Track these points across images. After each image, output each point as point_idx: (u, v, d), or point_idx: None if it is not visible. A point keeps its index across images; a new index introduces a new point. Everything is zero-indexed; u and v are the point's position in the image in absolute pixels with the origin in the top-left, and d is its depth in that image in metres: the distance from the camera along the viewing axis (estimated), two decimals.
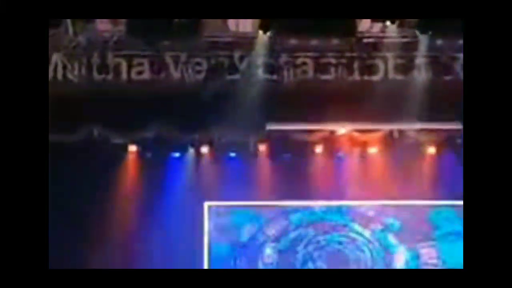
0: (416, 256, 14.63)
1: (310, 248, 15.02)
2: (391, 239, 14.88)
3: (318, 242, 15.05)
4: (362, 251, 14.87)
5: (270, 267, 14.93)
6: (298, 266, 14.80)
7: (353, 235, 15.07)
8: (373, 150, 14.95)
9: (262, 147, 14.93)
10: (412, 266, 13.89)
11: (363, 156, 15.02)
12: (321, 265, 14.64)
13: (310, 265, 14.81)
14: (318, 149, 14.95)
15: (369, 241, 15.01)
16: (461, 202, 14.08)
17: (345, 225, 15.14)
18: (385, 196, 14.91)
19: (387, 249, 14.79)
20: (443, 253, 14.62)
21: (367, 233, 15.03)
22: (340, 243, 14.92)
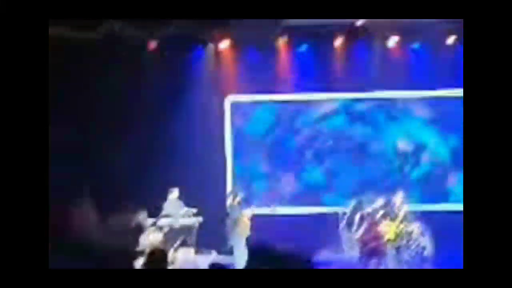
0: None
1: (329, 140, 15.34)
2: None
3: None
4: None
5: (291, 157, 15.32)
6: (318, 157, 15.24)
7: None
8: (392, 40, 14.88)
9: (281, 40, 14.88)
10: None
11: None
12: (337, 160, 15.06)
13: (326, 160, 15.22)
14: (337, 41, 14.89)
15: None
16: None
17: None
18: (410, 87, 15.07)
19: None
20: None
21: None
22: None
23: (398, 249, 11.53)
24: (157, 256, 6.32)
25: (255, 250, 5.66)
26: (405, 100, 15.44)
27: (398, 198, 11.90)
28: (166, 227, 12.97)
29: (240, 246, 12.04)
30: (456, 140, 14.82)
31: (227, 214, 12.52)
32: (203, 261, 12.18)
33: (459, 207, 13.82)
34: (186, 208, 13.07)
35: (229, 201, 12.69)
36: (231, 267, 5.59)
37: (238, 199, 12.61)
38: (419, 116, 15.43)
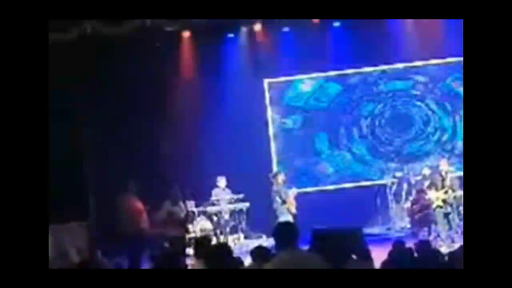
0: None
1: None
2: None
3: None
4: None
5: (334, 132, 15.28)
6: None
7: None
8: None
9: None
10: None
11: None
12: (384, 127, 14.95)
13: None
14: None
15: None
16: None
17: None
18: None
19: None
20: None
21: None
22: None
23: (447, 215, 11.38)
24: (203, 244, 6.40)
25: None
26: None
27: (444, 165, 11.74)
28: (215, 214, 13.06)
29: None
30: None
31: (273, 194, 12.53)
32: (254, 245, 12.22)
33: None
34: (233, 195, 13.13)
35: (273, 182, 12.71)
36: None
37: (282, 178, 12.61)
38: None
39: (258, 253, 6.34)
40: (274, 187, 12.46)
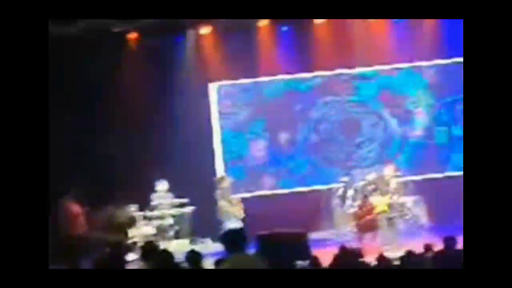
0: None
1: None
2: None
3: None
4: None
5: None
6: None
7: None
8: None
9: (262, 23, 14.77)
10: None
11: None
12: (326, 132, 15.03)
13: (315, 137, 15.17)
14: (318, 20, 14.78)
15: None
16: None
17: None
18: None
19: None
20: None
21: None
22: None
23: (391, 220, 11.44)
24: (148, 249, 6.36)
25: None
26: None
27: (389, 171, 11.81)
28: (157, 219, 12.87)
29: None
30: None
31: (219, 199, 12.42)
32: (199, 250, 12.07)
33: (453, 174, 14.53)
34: (175, 199, 12.96)
35: (219, 186, 12.60)
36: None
37: (228, 181, 12.51)
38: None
39: (191, 257, 6.29)
40: (220, 191, 12.34)
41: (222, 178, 12.67)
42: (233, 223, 11.63)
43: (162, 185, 13.05)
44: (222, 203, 12.15)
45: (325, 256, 7.37)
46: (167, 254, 6.07)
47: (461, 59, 13.99)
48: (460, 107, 14.00)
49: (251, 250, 5.95)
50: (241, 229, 5.60)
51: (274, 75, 15.22)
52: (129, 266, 10.86)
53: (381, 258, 6.53)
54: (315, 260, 6.87)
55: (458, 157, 14.83)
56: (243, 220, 12.13)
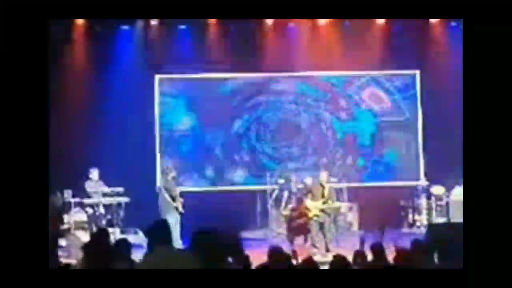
0: None
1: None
2: None
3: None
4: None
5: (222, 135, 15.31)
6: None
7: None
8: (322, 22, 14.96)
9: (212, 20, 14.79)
10: None
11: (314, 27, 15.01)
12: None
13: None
14: (269, 21, 14.89)
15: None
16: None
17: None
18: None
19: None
20: None
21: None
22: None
23: (323, 225, 11.62)
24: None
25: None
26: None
27: (324, 176, 11.99)
28: (90, 206, 12.75)
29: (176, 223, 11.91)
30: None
31: (161, 191, 12.44)
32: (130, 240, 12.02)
33: (380, 183, 14.87)
34: (107, 188, 12.87)
35: (164, 177, 12.62)
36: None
37: (173, 174, 12.52)
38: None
39: (120, 245, 6.28)
40: (163, 183, 12.34)
41: (167, 170, 12.65)
42: (172, 217, 11.66)
43: (93, 173, 12.94)
44: (165, 196, 12.15)
45: (256, 256, 7.46)
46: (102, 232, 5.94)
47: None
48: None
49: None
50: (165, 220, 5.50)
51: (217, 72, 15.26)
52: (62, 252, 10.84)
53: (309, 261, 6.64)
54: (246, 260, 6.94)
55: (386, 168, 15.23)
56: (181, 214, 12.16)
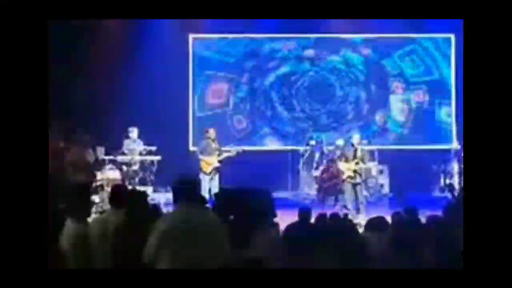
0: None
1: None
2: None
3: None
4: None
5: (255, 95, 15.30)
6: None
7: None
8: None
9: None
10: None
11: None
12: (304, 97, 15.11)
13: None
14: None
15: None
16: None
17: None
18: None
19: None
20: None
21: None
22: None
23: (355, 186, 11.59)
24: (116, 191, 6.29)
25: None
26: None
27: (356, 138, 11.94)
28: (124, 164, 12.89)
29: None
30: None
31: (203, 149, 12.63)
32: (161, 198, 12.21)
33: (411, 147, 14.84)
34: (144, 146, 12.98)
35: (205, 135, 12.80)
36: None
37: (213, 134, 12.72)
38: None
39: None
40: (205, 142, 12.52)
41: (209, 131, 12.84)
42: (206, 177, 11.91)
43: (133, 132, 13.07)
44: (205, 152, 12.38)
45: (286, 217, 7.50)
46: (141, 194, 5.93)
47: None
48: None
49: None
50: (192, 178, 5.43)
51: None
52: (95, 208, 10.99)
53: (344, 220, 6.63)
54: (274, 220, 6.97)
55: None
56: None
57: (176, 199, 5.09)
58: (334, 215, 7.23)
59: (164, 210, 6.57)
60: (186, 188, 5.07)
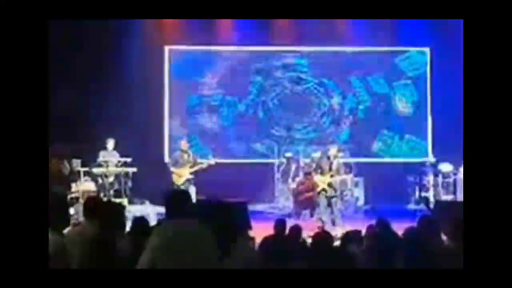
0: None
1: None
2: None
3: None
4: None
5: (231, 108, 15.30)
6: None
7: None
8: None
9: None
10: None
11: None
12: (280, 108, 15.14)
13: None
14: None
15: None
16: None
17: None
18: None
19: None
20: None
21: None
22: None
23: (330, 199, 11.62)
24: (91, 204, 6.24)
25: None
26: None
27: (333, 150, 11.97)
28: (100, 176, 12.83)
29: None
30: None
31: (175, 161, 12.63)
32: (136, 210, 12.14)
33: (387, 159, 14.95)
34: (120, 158, 12.93)
35: (180, 148, 12.82)
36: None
37: (187, 145, 12.78)
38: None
39: (139, 224, 6.23)
40: (179, 153, 12.53)
41: (181, 143, 12.89)
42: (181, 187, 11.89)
43: (109, 143, 13.03)
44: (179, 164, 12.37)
45: (262, 229, 7.51)
46: (119, 206, 5.93)
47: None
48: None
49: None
50: (185, 190, 5.42)
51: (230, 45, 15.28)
52: (71, 220, 10.88)
53: (321, 235, 6.65)
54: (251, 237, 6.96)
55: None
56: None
57: (168, 212, 5.06)
58: (310, 228, 7.26)
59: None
60: (178, 200, 5.08)
